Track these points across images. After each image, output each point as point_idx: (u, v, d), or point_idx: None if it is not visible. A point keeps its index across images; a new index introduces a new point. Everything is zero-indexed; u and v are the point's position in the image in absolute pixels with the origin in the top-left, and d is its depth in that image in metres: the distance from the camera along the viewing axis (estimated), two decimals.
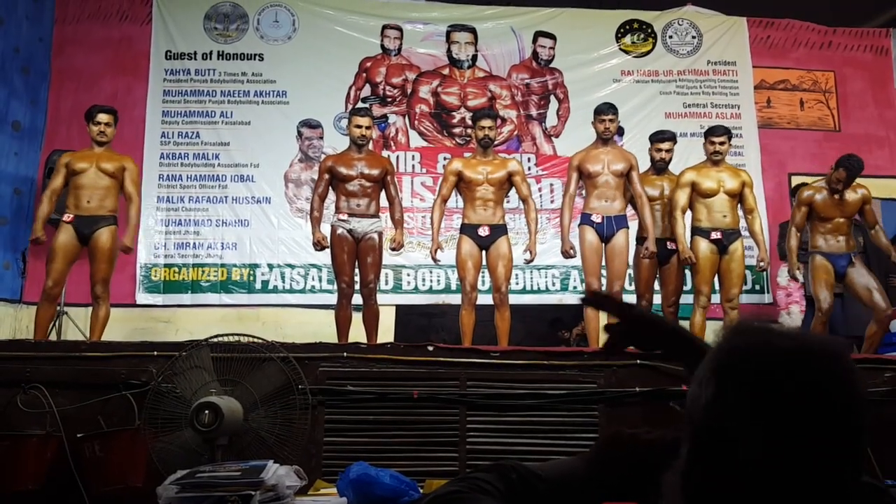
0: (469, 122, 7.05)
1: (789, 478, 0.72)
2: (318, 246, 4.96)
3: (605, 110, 5.10)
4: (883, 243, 5.10)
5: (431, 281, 6.74)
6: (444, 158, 6.62)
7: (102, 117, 4.90)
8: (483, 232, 4.95)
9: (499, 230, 4.99)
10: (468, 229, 4.99)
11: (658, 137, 5.35)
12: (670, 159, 5.34)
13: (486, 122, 5.06)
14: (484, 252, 5.01)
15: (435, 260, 5.05)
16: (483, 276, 5.29)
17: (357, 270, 4.95)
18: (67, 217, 4.79)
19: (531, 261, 5.15)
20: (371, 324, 4.90)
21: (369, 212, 4.96)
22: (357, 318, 4.96)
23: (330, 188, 5.02)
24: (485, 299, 5.30)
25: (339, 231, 4.90)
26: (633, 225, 5.25)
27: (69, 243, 4.76)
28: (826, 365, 0.75)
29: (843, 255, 5.02)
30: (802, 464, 0.72)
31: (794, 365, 0.75)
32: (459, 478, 0.94)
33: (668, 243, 5.15)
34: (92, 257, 4.80)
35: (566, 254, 5.10)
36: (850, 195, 5.04)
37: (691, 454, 0.79)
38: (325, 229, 5.00)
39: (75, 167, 4.83)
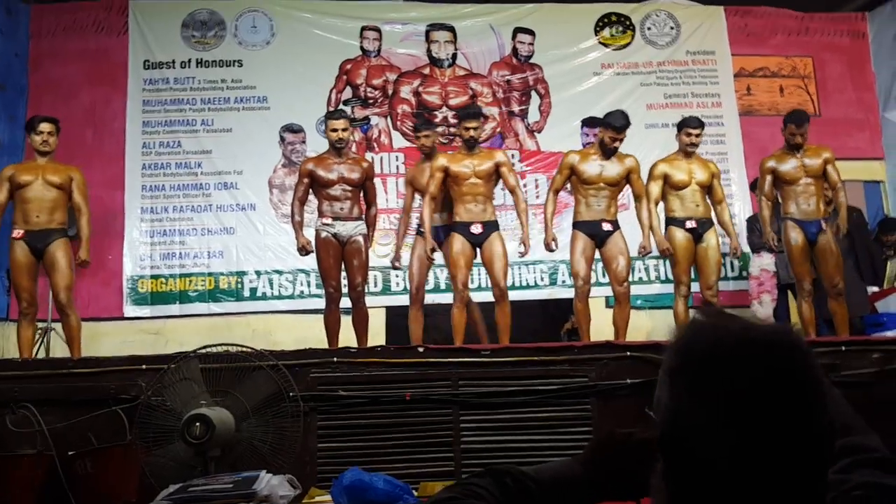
0: (452, 121, 7.08)
1: (751, 475, 0.71)
2: (304, 251, 4.94)
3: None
4: (840, 201, 5.15)
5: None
6: None
7: (44, 126, 4.80)
8: (475, 230, 4.93)
9: (491, 226, 4.96)
10: (460, 227, 4.95)
11: (613, 127, 4.95)
12: (619, 146, 5.01)
13: (472, 123, 4.99)
14: (477, 249, 4.99)
15: (430, 259, 5.01)
16: (473, 274, 5.29)
17: (344, 274, 4.94)
18: (17, 233, 4.72)
19: (525, 254, 5.11)
20: (361, 327, 4.89)
21: (352, 215, 4.94)
22: (347, 321, 4.95)
23: (311, 192, 5.01)
24: (476, 297, 5.31)
25: (324, 235, 4.88)
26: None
27: (25, 259, 4.70)
28: (774, 355, 0.74)
29: (813, 221, 5.06)
30: (762, 459, 0.71)
31: (740, 359, 0.74)
32: (454, 484, 0.94)
33: (603, 224, 4.97)
34: (49, 271, 4.74)
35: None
36: (813, 157, 5.11)
37: (663, 456, 0.79)
38: (308, 233, 4.99)
39: (20, 180, 4.73)
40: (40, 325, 5.25)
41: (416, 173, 5.25)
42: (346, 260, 4.90)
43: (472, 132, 4.98)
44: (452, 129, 7.05)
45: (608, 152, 5.01)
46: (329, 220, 4.89)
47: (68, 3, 6.99)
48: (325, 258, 4.89)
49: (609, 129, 4.98)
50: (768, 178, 5.18)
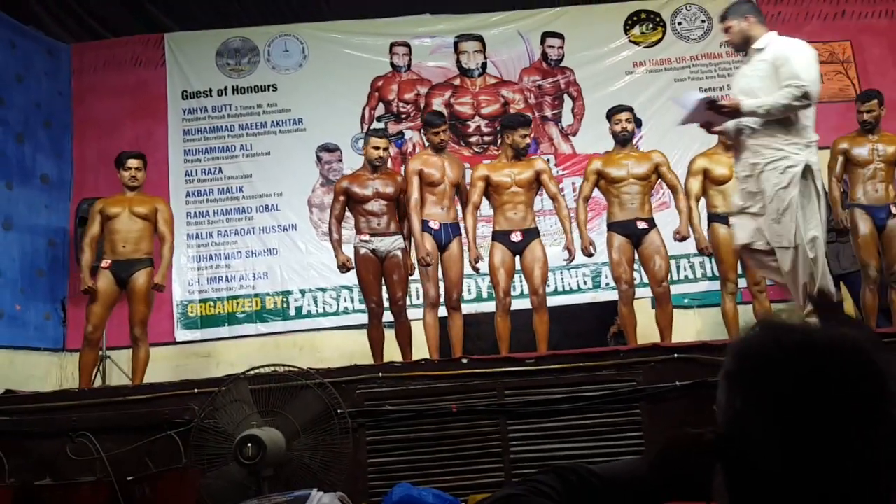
0: (485, 130, 7.09)
1: (807, 482, 0.70)
2: (344, 268, 4.99)
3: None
4: None
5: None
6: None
7: (132, 162, 5.01)
8: (515, 238, 4.93)
9: (531, 234, 4.96)
10: (500, 236, 4.97)
11: (615, 110, 5.11)
12: (633, 129, 5.12)
13: (526, 130, 5.02)
14: (517, 257, 4.99)
15: (475, 269, 5.03)
16: (514, 282, 5.27)
17: (385, 289, 4.98)
18: (105, 263, 4.89)
19: (571, 259, 5.08)
20: (404, 341, 4.92)
21: (390, 230, 4.98)
22: (391, 335, 4.98)
23: (346, 209, 5.05)
24: (517, 304, 5.29)
25: (363, 252, 4.93)
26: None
27: (108, 288, 4.85)
28: (836, 360, 0.72)
29: (882, 206, 4.94)
30: (820, 468, 0.70)
31: (796, 364, 0.72)
32: (518, 481, 0.93)
33: (637, 222, 4.93)
34: (130, 300, 4.90)
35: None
36: (888, 144, 5.00)
37: (720, 460, 0.78)
38: (347, 250, 5.04)
39: (109, 212, 4.93)
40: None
41: (424, 164, 5.01)
42: (385, 275, 4.94)
43: (528, 139, 5.02)
44: (486, 139, 7.08)
45: (623, 140, 5.06)
46: (367, 237, 4.93)
47: (107, 41, 7.21)
48: (365, 274, 4.93)
49: (608, 118, 5.11)
50: (840, 158, 5.07)
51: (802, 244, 3.64)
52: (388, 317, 5.01)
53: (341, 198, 5.01)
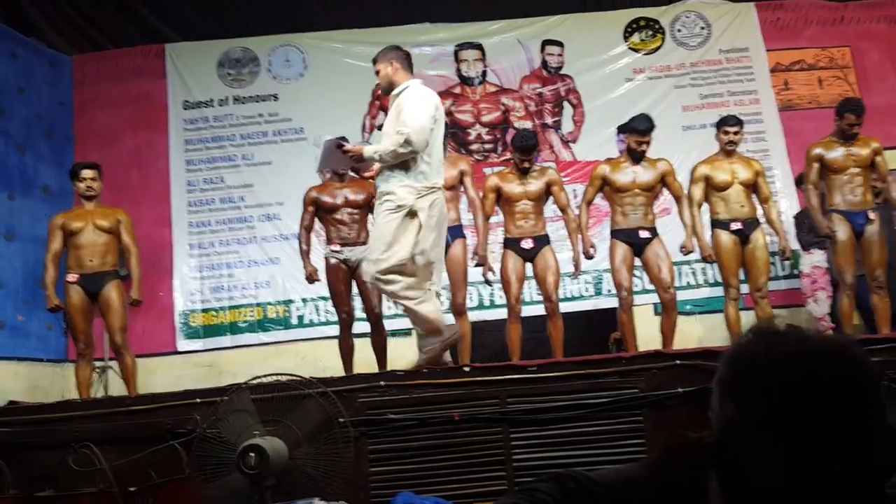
0: (485, 138, 7.12)
1: (797, 486, 0.70)
2: (311, 279, 5.00)
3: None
4: (893, 197, 5.04)
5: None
6: None
7: (87, 173, 5.00)
8: (526, 244, 4.97)
9: (542, 240, 5.01)
10: (511, 243, 5.02)
11: (637, 129, 5.03)
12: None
13: (528, 155, 5.04)
14: (528, 264, 5.01)
15: (487, 282, 5.07)
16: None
17: (360, 299, 4.97)
18: (72, 277, 4.88)
19: (576, 276, 5.11)
20: (381, 350, 4.91)
21: (360, 239, 4.93)
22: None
23: (317, 220, 5.06)
24: (527, 311, 5.31)
25: (333, 262, 4.93)
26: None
27: (81, 302, 4.87)
28: (827, 367, 0.72)
29: (860, 211, 4.94)
30: (813, 475, 0.70)
31: (791, 371, 0.72)
32: (517, 490, 0.93)
33: (640, 231, 4.96)
34: (104, 313, 4.91)
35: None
36: (861, 147, 4.98)
37: (714, 466, 0.78)
38: (319, 260, 5.07)
39: (71, 227, 4.91)
40: (97, 364, 5.40)
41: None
42: (358, 284, 4.90)
43: (526, 163, 5.03)
44: (487, 146, 7.10)
45: (637, 157, 5.02)
46: (337, 247, 4.92)
47: (108, 52, 7.24)
48: (335, 284, 4.94)
49: (633, 132, 5.02)
50: (815, 165, 5.05)
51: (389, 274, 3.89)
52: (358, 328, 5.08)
53: (310, 208, 5.00)
